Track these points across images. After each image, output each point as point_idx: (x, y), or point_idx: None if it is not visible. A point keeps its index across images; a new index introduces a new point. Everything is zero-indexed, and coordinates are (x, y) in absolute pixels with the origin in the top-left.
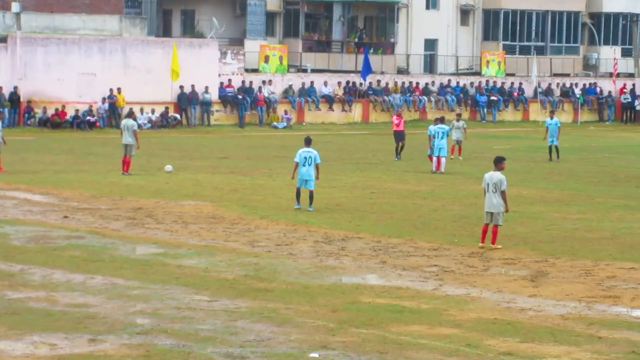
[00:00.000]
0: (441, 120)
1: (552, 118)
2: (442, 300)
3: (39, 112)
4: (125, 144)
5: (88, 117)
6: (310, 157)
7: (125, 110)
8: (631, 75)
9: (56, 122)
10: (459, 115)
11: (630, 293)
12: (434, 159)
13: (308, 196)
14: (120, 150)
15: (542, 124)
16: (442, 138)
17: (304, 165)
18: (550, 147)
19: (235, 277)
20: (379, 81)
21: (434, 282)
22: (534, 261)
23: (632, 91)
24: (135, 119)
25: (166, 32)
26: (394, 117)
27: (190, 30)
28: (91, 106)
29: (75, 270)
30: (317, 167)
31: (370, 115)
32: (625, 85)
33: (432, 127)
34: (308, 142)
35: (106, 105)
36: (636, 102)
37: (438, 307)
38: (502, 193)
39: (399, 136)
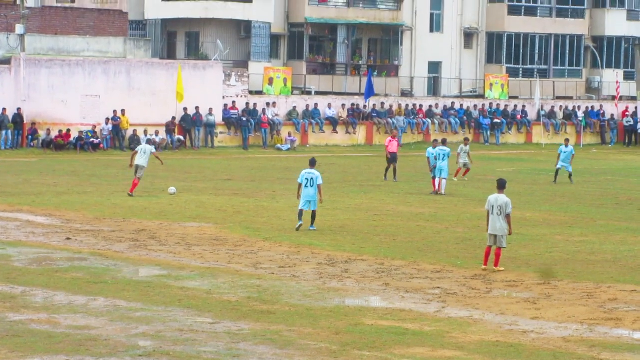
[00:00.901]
0: (443, 142)
1: (567, 146)
2: (445, 323)
3: (42, 133)
4: (137, 165)
5: (92, 139)
6: (312, 178)
7: (129, 132)
8: (633, 99)
9: (59, 143)
10: (467, 140)
11: (632, 316)
12: (436, 180)
13: (310, 216)
14: (130, 172)
15: (544, 147)
16: (443, 160)
17: (306, 186)
18: (557, 170)
19: (238, 300)
20: (382, 103)
21: (437, 305)
22: (537, 283)
23: (635, 114)
24: (152, 144)
25: (171, 54)
26: (388, 139)
27: (194, 52)
28: (95, 127)
29: (77, 292)
30: (319, 188)
31: (374, 138)
32: (627, 108)
33: (430, 149)
34: (312, 163)
35: (110, 126)
36: (639, 125)
37: (441, 330)
38: (507, 216)
39: (390, 158)
